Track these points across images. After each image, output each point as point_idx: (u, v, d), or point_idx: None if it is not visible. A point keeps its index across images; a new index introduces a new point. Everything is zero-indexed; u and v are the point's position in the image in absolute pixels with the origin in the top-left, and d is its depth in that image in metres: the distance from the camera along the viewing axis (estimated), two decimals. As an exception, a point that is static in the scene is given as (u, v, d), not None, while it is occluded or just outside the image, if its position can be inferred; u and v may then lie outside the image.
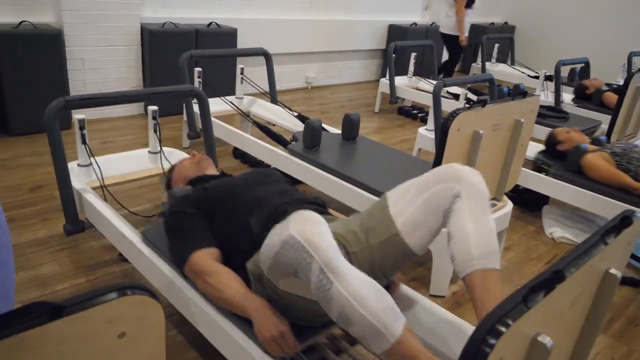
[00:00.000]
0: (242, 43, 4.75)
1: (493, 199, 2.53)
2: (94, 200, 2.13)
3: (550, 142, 3.21)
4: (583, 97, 4.84)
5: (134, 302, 0.81)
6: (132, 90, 2.08)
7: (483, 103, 2.18)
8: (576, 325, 1.24)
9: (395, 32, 6.35)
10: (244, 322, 1.46)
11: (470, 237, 1.39)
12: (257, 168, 2.48)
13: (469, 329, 1.58)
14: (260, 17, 5.07)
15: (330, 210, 1.79)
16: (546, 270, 0.91)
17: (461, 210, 1.43)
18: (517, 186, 3.15)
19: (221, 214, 1.64)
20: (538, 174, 3.03)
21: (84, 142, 2.30)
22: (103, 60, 3.99)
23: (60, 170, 2.06)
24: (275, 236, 1.22)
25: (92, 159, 2.34)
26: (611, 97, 4.54)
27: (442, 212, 1.48)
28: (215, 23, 4.52)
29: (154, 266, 1.77)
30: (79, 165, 2.36)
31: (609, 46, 6.96)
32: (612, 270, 1.18)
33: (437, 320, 1.72)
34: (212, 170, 2.03)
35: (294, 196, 1.70)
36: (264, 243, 1.30)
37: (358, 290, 1.14)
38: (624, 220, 1.18)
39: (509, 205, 2.52)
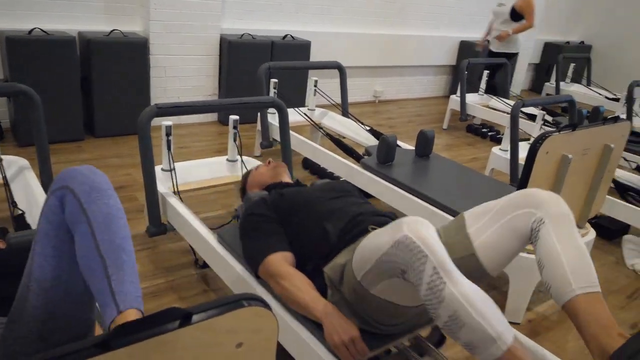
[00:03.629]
0: (315, 55, 4.82)
1: (577, 225, 2.44)
2: (177, 204, 2.21)
3: None
4: None
5: (252, 313, 0.83)
6: (217, 100, 2.15)
7: (573, 127, 2.10)
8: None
9: (466, 48, 6.27)
10: (316, 326, 1.47)
11: (564, 262, 1.34)
12: (328, 179, 2.51)
13: (549, 356, 1.52)
14: (333, 31, 5.14)
15: None
16: None
17: (548, 236, 1.39)
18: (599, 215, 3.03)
19: (297, 220, 1.66)
20: (622, 201, 2.90)
21: (169, 148, 2.38)
22: (183, 68, 4.14)
23: (148, 175, 2.14)
24: (385, 236, 1.20)
25: (173, 164, 2.44)
26: None
27: (521, 238, 1.45)
28: (290, 35, 4.59)
29: (229, 266, 1.84)
30: (162, 170, 2.44)
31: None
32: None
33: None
34: (287, 179, 2.06)
35: (368, 209, 1.70)
36: (360, 245, 1.31)
37: (472, 295, 1.12)
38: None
39: (592, 233, 2.42)
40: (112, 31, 3.74)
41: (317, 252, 1.57)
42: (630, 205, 2.82)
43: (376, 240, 1.24)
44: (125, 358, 0.72)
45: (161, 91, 4.07)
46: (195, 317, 0.77)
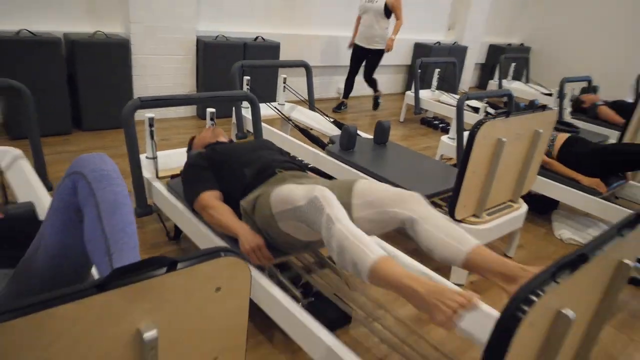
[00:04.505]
0: (284, 55, 4.83)
1: (510, 201, 2.56)
2: (161, 187, 2.24)
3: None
4: (579, 111, 4.83)
5: (228, 262, 0.88)
6: (196, 94, 2.15)
7: (507, 114, 2.21)
8: (591, 306, 1.25)
9: (420, 49, 6.37)
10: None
11: (445, 239, 1.45)
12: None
13: (490, 310, 1.62)
14: (300, 33, 5.14)
15: (308, 173, 1.99)
16: (573, 253, 0.96)
17: (423, 229, 1.50)
18: (529, 192, 3.16)
19: (224, 167, 1.92)
20: (546, 179, 3.06)
21: (152, 137, 2.40)
22: (163, 67, 4.11)
23: (134, 161, 2.15)
24: (302, 192, 1.46)
25: (156, 153, 2.46)
26: (606, 111, 4.53)
27: (391, 222, 1.58)
28: (262, 37, 4.59)
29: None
30: (147, 157, 2.44)
31: (618, 67, 6.85)
32: (626, 260, 1.22)
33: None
34: (223, 139, 2.27)
35: (280, 158, 1.97)
36: (281, 194, 1.55)
37: (352, 230, 1.34)
38: (638, 218, 1.22)
39: (524, 207, 2.55)
40: (95, 32, 3.70)
41: (237, 190, 1.83)
42: (559, 184, 2.95)
43: (297, 192, 1.48)
44: (119, 299, 0.77)
45: (143, 88, 4.03)
46: (179, 265, 0.82)
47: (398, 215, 1.53)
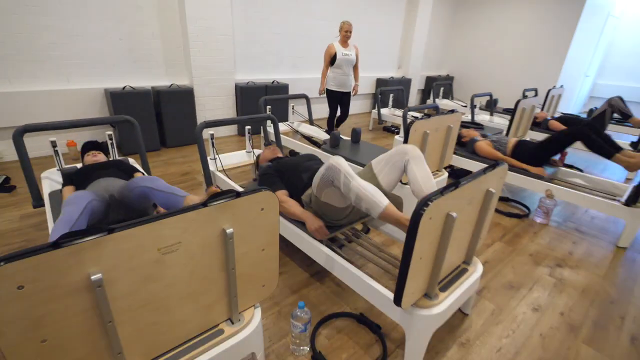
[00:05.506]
0: (292, 91, 4.92)
1: (437, 170, 2.66)
2: (221, 175, 2.42)
3: (459, 137, 3.26)
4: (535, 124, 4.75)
5: (266, 194, 1.05)
6: (238, 117, 2.27)
7: (429, 116, 2.40)
8: (472, 218, 1.36)
9: (380, 82, 6.39)
10: (304, 226, 1.71)
11: (419, 181, 1.57)
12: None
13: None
14: (302, 77, 5.20)
15: None
16: (453, 182, 1.16)
17: (411, 168, 1.61)
18: (450, 166, 3.31)
19: (288, 174, 1.88)
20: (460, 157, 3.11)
21: (213, 146, 2.55)
22: (215, 104, 4.20)
23: (204, 160, 2.25)
24: (322, 168, 1.47)
25: (217, 155, 2.63)
26: (556, 125, 4.31)
27: (400, 170, 1.66)
28: (277, 81, 4.68)
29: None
30: (210, 159, 2.59)
31: (512, 85, 6.98)
32: (491, 189, 1.41)
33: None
34: (280, 154, 2.29)
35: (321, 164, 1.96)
36: (314, 177, 1.54)
37: (365, 185, 1.36)
38: (495, 165, 1.42)
39: (445, 174, 2.64)
40: (171, 85, 3.86)
41: (298, 188, 1.79)
42: (516, 174, 2.83)
43: (318, 173, 1.50)
44: (214, 212, 0.97)
45: (203, 117, 4.15)
46: (242, 195, 1.02)
47: (400, 161, 1.65)
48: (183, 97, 3.83)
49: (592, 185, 2.76)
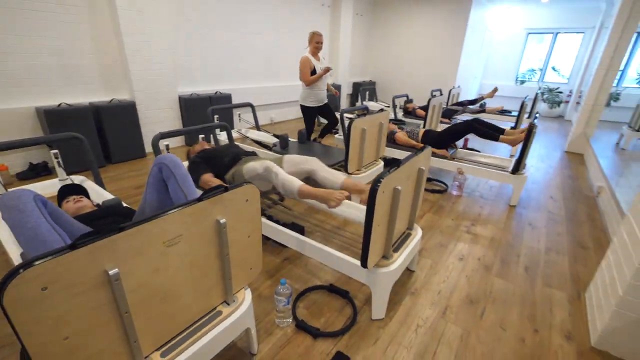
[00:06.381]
0: (235, 101, 4.86)
1: (375, 160, 2.86)
2: None
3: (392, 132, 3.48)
4: (407, 112, 5.29)
5: (249, 187, 1.12)
6: (193, 127, 2.21)
7: (364, 115, 2.63)
8: (411, 191, 1.55)
9: None
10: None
11: (331, 178, 1.83)
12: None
13: (355, 204, 2.02)
14: (243, 87, 5.16)
15: (258, 156, 2.14)
16: (395, 162, 1.35)
17: (320, 175, 1.87)
18: (384, 156, 3.59)
19: (213, 160, 2.03)
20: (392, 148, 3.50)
21: None
22: (159, 116, 4.00)
23: None
24: (260, 165, 1.71)
25: None
26: (419, 112, 5.09)
27: (302, 174, 1.90)
28: (219, 92, 4.59)
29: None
30: None
31: (422, 87, 7.73)
32: (422, 167, 1.64)
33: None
34: (208, 146, 2.36)
35: (242, 151, 2.12)
36: (247, 167, 1.76)
37: (286, 177, 1.64)
38: (423, 149, 1.65)
39: (381, 164, 2.87)
40: (112, 100, 3.58)
41: (221, 170, 1.97)
42: (398, 150, 3.29)
43: (256, 165, 1.74)
44: (208, 205, 1.01)
45: (148, 131, 3.93)
46: (228, 190, 1.08)
47: (305, 168, 1.89)
48: (125, 112, 3.60)
49: (488, 161, 3.30)
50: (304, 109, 3.51)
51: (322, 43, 3.27)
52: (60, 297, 0.73)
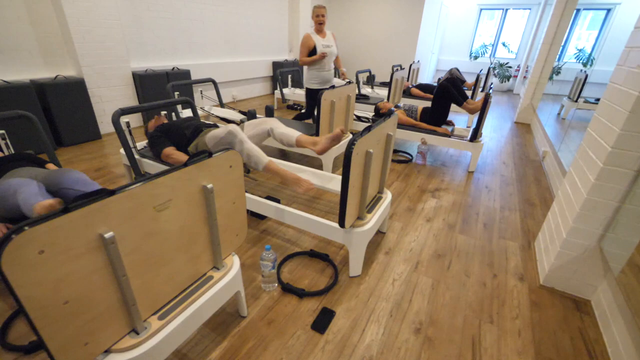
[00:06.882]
0: (194, 77, 4.67)
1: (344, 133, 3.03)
2: (148, 161, 2.26)
3: (377, 109, 3.49)
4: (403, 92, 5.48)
5: (232, 153, 1.16)
6: (155, 102, 2.09)
7: (333, 87, 2.69)
8: (380, 156, 1.63)
9: (276, 64, 6.43)
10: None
11: (288, 134, 1.93)
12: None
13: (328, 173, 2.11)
14: (202, 62, 4.96)
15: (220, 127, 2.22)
16: (365, 127, 1.42)
17: (278, 132, 1.96)
18: (352, 131, 3.68)
19: (173, 133, 2.05)
20: (359, 121, 3.57)
21: (130, 134, 2.35)
22: (113, 95, 3.75)
23: (126, 148, 2.12)
24: (223, 130, 1.71)
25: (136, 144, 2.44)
26: (416, 91, 4.97)
27: (262, 134, 1.98)
28: (177, 67, 4.38)
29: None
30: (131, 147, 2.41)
31: (384, 62, 7.88)
32: (390, 132, 1.74)
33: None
34: (165, 120, 2.36)
35: (204, 123, 2.12)
36: (210, 135, 1.75)
37: (252, 146, 1.69)
38: (390, 115, 1.75)
39: (350, 135, 3.00)
40: (56, 76, 3.25)
41: (182, 143, 2.00)
42: (431, 135, 3.12)
43: (218, 132, 1.75)
44: (194, 170, 1.03)
45: (101, 111, 3.66)
46: (212, 155, 1.11)
47: (264, 127, 1.96)
48: (73, 90, 3.31)
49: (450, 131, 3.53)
50: (306, 92, 3.27)
51: (323, 16, 2.96)
52: (58, 260, 0.74)
